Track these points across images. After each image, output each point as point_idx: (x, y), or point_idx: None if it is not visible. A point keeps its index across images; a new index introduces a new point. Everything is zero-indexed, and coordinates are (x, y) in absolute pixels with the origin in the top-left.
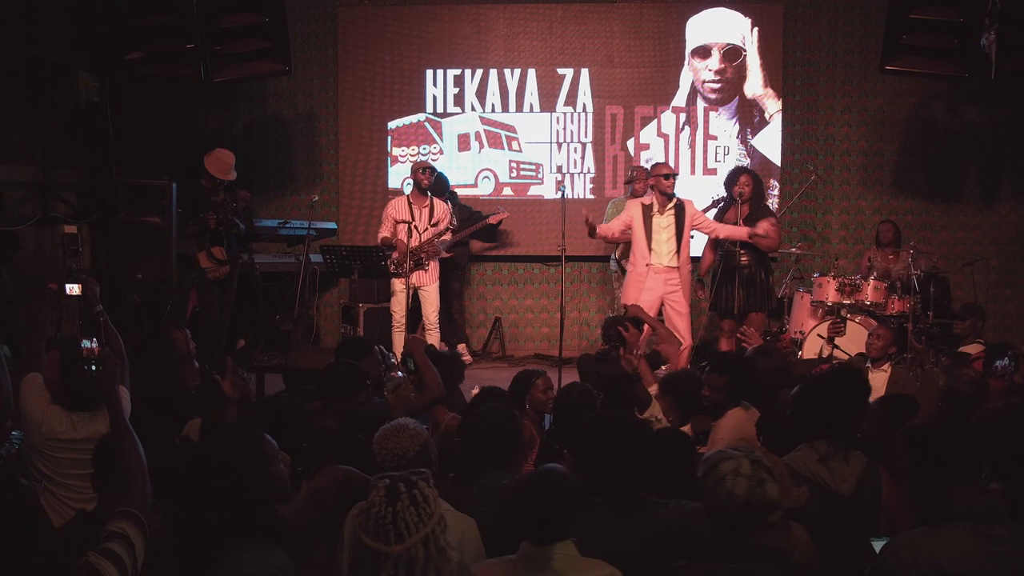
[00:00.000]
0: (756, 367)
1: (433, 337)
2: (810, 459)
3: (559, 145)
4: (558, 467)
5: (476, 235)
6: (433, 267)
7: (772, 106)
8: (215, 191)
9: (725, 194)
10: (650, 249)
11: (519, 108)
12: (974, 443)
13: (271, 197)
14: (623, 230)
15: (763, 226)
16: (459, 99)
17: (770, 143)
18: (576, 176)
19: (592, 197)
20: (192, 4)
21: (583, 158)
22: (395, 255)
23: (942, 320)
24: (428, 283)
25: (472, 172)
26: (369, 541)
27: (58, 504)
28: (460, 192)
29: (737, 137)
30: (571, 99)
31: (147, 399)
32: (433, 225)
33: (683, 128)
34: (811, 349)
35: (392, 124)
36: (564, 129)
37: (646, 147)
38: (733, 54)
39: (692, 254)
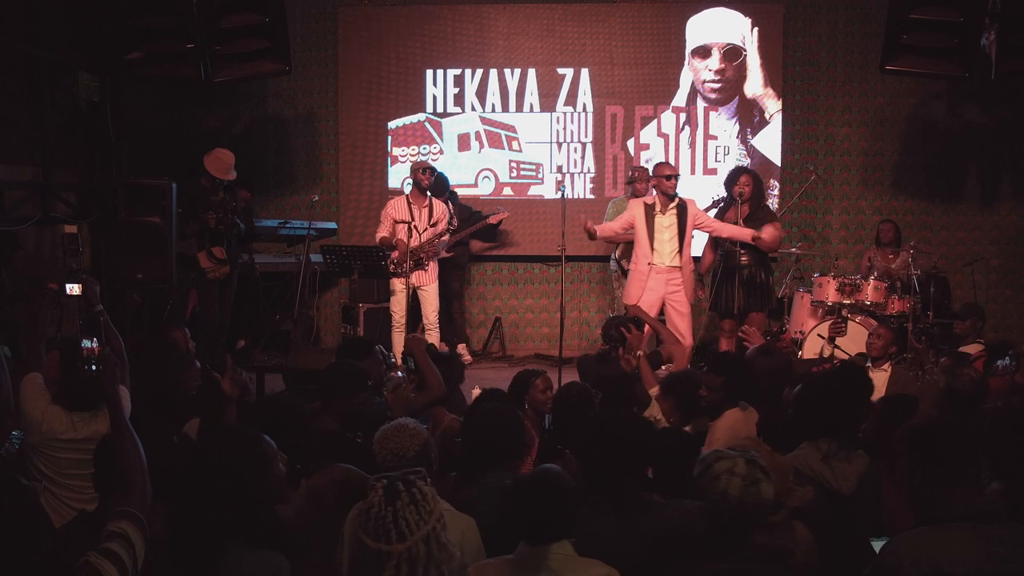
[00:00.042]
0: (754, 367)
1: (433, 337)
2: (812, 458)
3: (559, 145)
4: (554, 468)
5: (476, 235)
6: (432, 267)
7: (772, 106)
8: (215, 191)
9: (725, 194)
10: (652, 249)
11: (519, 108)
12: (974, 443)
13: (271, 197)
14: (625, 228)
15: (769, 232)
16: (459, 99)
17: (770, 143)
18: (576, 176)
19: (592, 197)
20: (192, 4)
21: (583, 158)
22: (395, 255)
23: (942, 320)
24: (427, 283)
25: (472, 172)
26: (370, 542)
27: (58, 504)
28: (460, 192)
29: (737, 137)
30: (571, 99)
31: (147, 399)
32: (432, 225)
33: (683, 128)
34: (811, 349)
35: (392, 124)
36: (564, 129)
37: (646, 147)
38: (733, 54)
39: (693, 254)
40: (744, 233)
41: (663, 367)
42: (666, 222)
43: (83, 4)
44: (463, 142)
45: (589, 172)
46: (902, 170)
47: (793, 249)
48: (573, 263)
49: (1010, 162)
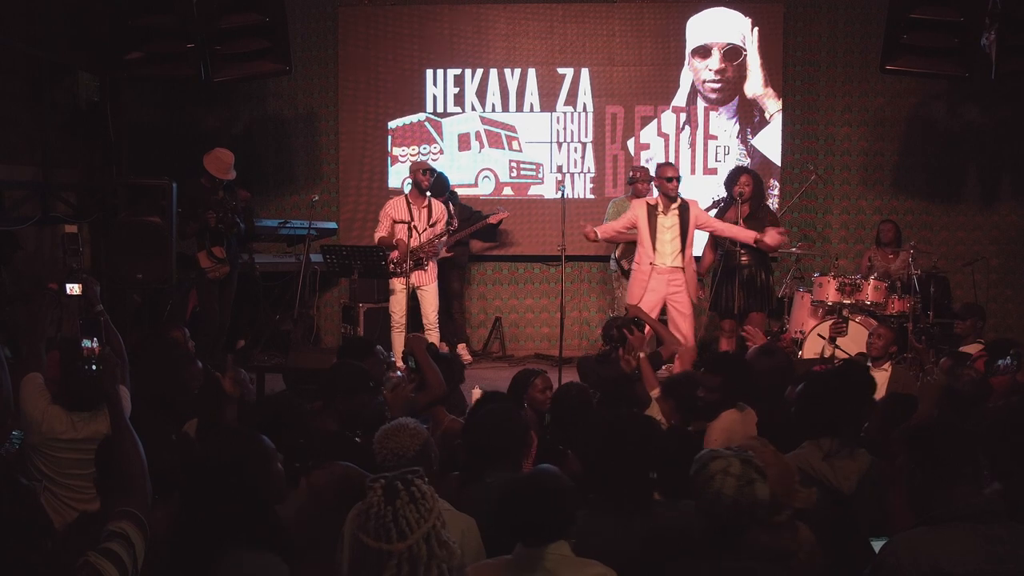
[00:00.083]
0: (755, 367)
1: (433, 337)
2: (814, 456)
3: (559, 145)
4: (550, 468)
5: (476, 235)
6: (432, 267)
7: (772, 106)
8: (215, 190)
9: (725, 194)
10: (654, 249)
11: (519, 108)
12: (974, 443)
13: (271, 197)
14: (628, 227)
15: (773, 237)
16: (459, 99)
17: (770, 143)
18: (576, 176)
19: (592, 197)
20: (192, 4)
21: (583, 158)
22: (394, 255)
23: (942, 320)
24: (427, 283)
25: (472, 172)
26: (370, 542)
27: (58, 504)
28: (460, 192)
29: (737, 137)
30: (571, 99)
31: (147, 399)
32: (431, 225)
33: (683, 128)
34: (811, 349)
35: (392, 124)
36: (564, 129)
37: (646, 147)
38: (733, 54)
39: (693, 254)
40: (747, 235)
41: (663, 367)
42: (668, 223)
43: (83, 4)
44: (463, 142)
45: (589, 172)
46: (902, 170)
47: (793, 249)
48: (573, 263)
49: (1010, 162)
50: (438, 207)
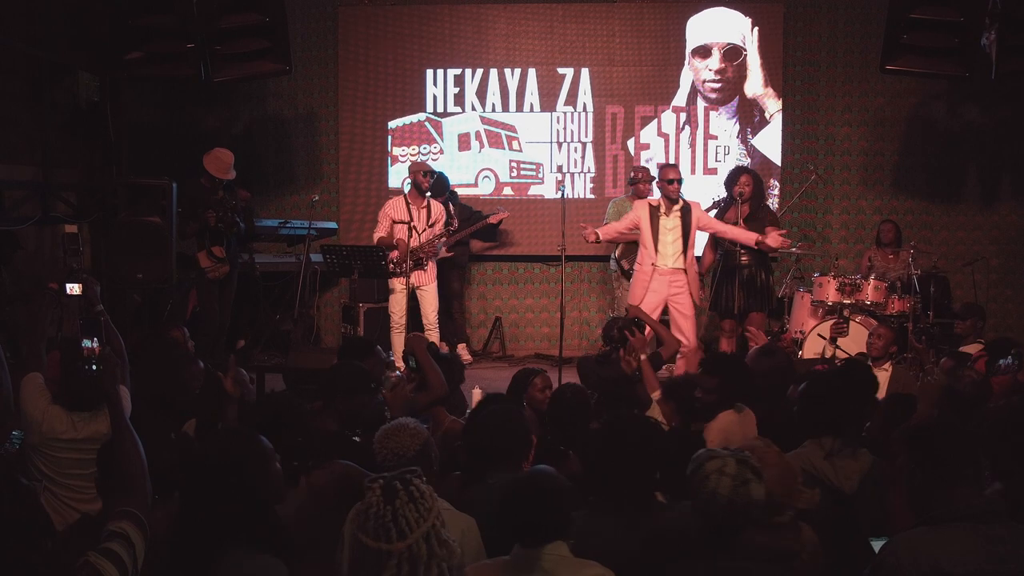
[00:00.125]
0: (756, 368)
1: (433, 337)
2: (815, 455)
3: (559, 145)
4: (547, 469)
5: (476, 235)
6: (431, 267)
7: (772, 106)
8: (214, 190)
9: (725, 194)
10: (656, 251)
11: (519, 108)
12: (974, 443)
13: (271, 197)
14: (630, 228)
15: (775, 239)
16: (459, 99)
17: (770, 143)
18: (576, 176)
19: (592, 197)
20: (192, 4)
21: (583, 158)
22: (394, 255)
23: (942, 320)
24: (427, 283)
25: (472, 172)
26: (370, 542)
27: (59, 504)
28: (460, 192)
29: (737, 137)
30: (571, 99)
31: (147, 399)
32: (430, 226)
33: (683, 128)
34: (811, 349)
35: (392, 124)
36: (564, 129)
37: (646, 147)
38: (733, 54)
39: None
40: (748, 237)
41: (663, 367)
42: (670, 224)
43: (83, 4)
44: (463, 142)
45: (589, 172)
46: (902, 170)
47: (793, 249)
48: (573, 263)
49: (1010, 162)
50: (437, 207)
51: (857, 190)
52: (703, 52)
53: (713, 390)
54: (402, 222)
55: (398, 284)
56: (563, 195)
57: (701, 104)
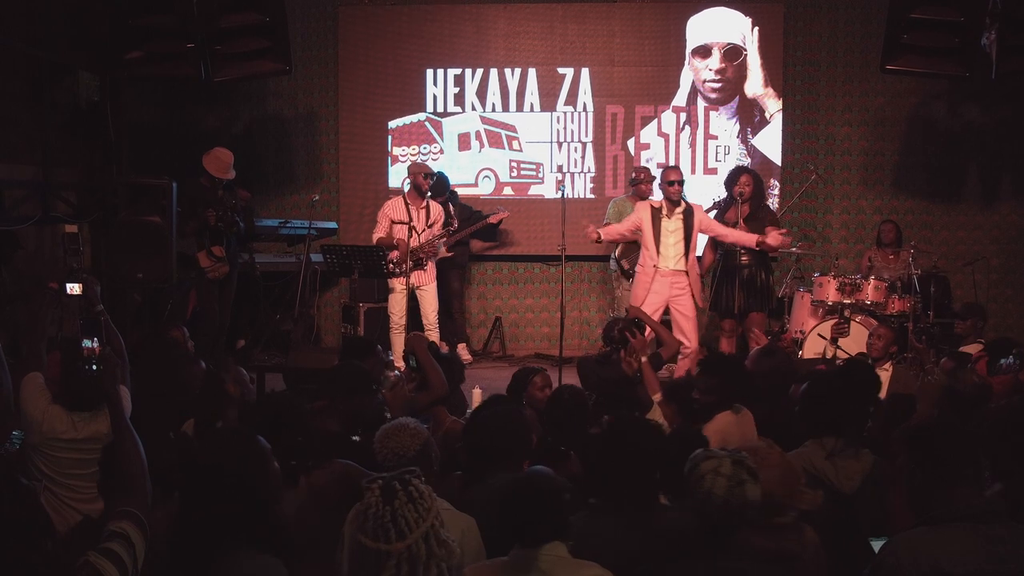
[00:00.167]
0: (756, 369)
1: (433, 337)
2: (816, 455)
3: (559, 144)
4: (543, 469)
5: (476, 234)
6: (431, 266)
7: (772, 105)
8: (214, 190)
9: (725, 194)
10: (658, 252)
11: (519, 107)
12: (974, 443)
13: (271, 197)
14: (632, 230)
15: (776, 238)
16: (459, 98)
17: (770, 142)
18: (576, 175)
19: (592, 197)
20: (192, 4)
21: (583, 157)
22: (393, 255)
23: (943, 320)
24: (426, 283)
25: (472, 171)
26: (369, 542)
27: (59, 504)
28: (460, 192)
29: (737, 136)
30: (571, 98)
31: (147, 399)
32: (429, 226)
33: (683, 128)
34: (812, 348)
35: (392, 123)
36: (564, 128)
37: (646, 147)
38: (734, 53)
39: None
40: (749, 239)
41: (663, 368)
42: (672, 226)
43: (83, 4)
44: (463, 142)
45: (589, 172)
46: (902, 170)
47: (793, 249)
48: (573, 263)
49: (1010, 162)
50: (436, 208)
51: (857, 190)
52: (703, 52)
53: (711, 391)
54: (401, 222)
55: (398, 284)
56: (563, 195)
57: (701, 104)
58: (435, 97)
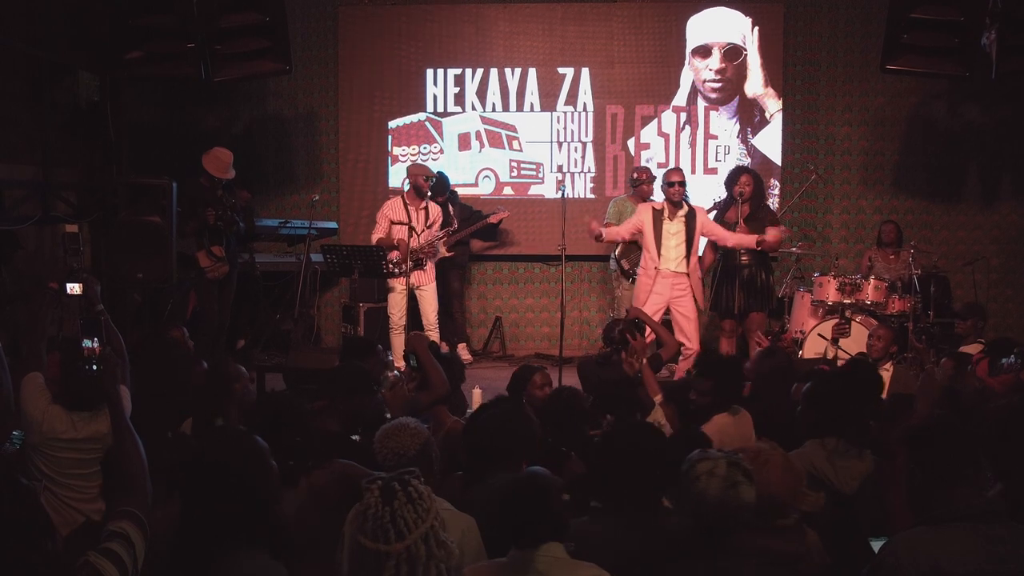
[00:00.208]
0: (757, 370)
1: (433, 336)
2: (817, 456)
3: (559, 144)
4: (540, 470)
5: (476, 234)
6: (431, 266)
7: (773, 105)
8: (214, 190)
9: (725, 194)
10: (659, 254)
11: (519, 107)
12: (974, 443)
13: (271, 197)
14: (633, 233)
15: (773, 234)
16: (459, 98)
17: (771, 142)
18: (576, 175)
19: (592, 196)
20: (192, 4)
21: (583, 157)
22: (393, 255)
23: (943, 320)
24: (426, 283)
25: (472, 171)
26: (368, 543)
27: (59, 504)
28: (460, 191)
29: (738, 136)
30: (571, 98)
31: (147, 399)
32: (428, 227)
33: (683, 127)
34: (812, 348)
35: (392, 123)
36: (564, 128)
37: (647, 146)
38: (734, 53)
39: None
40: (749, 241)
41: (663, 368)
42: (673, 228)
43: (83, 4)
44: (463, 141)
45: (589, 172)
46: (902, 169)
47: (793, 249)
48: (573, 263)
49: (1011, 161)
50: (435, 208)
51: (857, 190)
52: (703, 52)
53: (707, 392)
54: (400, 223)
55: (398, 284)
56: (563, 195)
57: (701, 104)
58: (435, 97)
